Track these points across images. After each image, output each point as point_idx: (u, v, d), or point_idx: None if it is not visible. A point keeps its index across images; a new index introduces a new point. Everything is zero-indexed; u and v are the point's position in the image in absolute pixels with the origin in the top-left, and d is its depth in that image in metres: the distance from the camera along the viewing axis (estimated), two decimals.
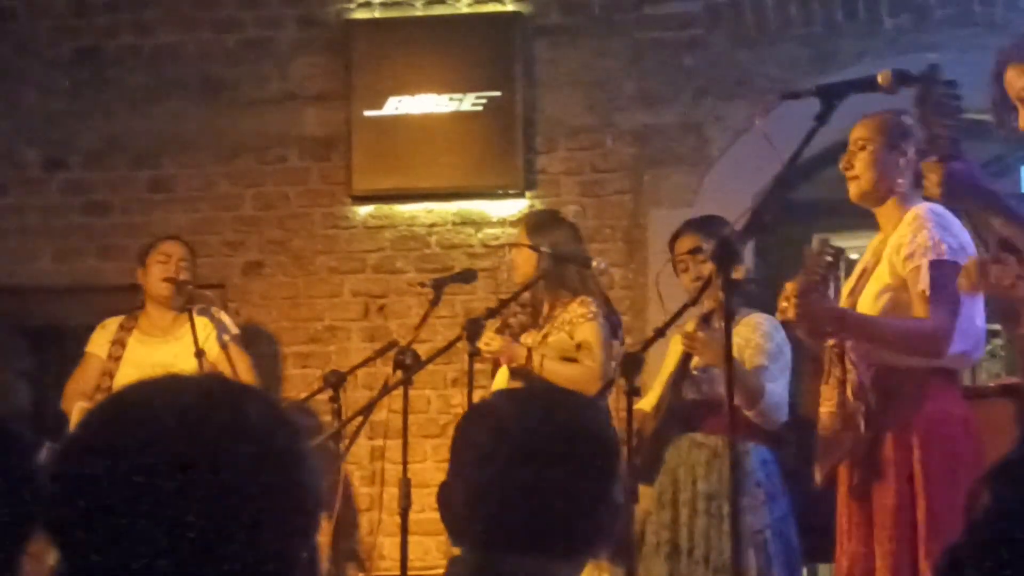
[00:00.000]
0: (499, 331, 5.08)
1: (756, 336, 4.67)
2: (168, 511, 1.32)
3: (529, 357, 4.97)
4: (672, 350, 4.81)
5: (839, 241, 6.37)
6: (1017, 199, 3.28)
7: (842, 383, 3.83)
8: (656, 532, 4.68)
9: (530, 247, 5.11)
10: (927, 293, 3.72)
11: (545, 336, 5.08)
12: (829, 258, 3.70)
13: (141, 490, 1.33)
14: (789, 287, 3.75)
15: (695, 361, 4.63)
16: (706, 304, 4.40)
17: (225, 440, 1.37)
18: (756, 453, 4.62)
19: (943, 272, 3.71)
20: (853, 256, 6.52)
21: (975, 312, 3.81)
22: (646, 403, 4.83)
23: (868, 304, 3.88)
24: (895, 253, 3.83)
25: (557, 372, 4.93)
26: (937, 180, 3.13)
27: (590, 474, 2.04)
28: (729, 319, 3.17)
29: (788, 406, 4.66)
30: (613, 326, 5.16)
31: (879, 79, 3.24)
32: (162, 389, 1.43)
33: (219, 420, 1.38)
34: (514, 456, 2.02)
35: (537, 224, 5.25)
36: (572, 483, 2.01)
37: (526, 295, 5.10)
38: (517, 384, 4.94)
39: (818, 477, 3.96)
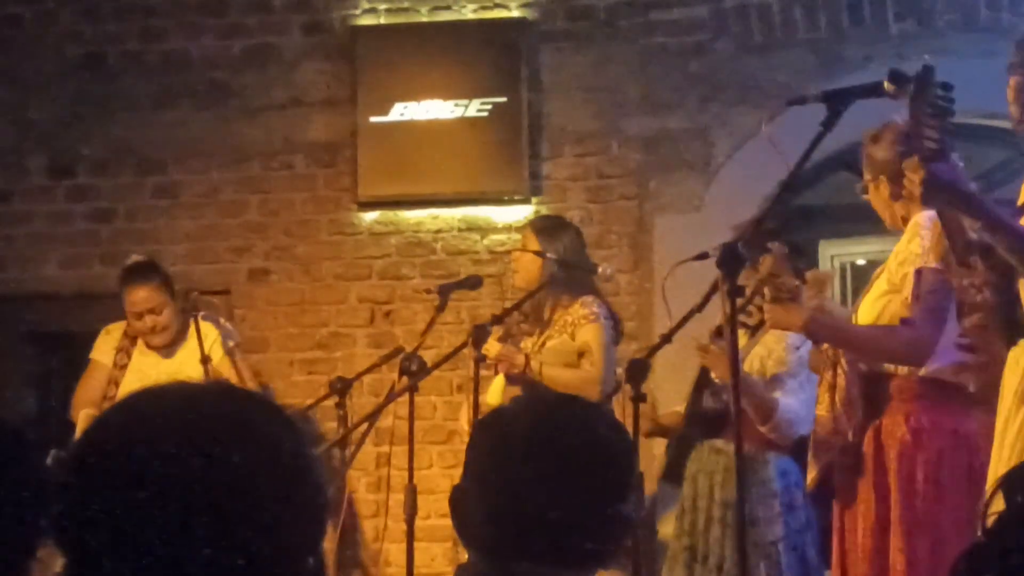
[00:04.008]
0: (502, 339, 5.08)
1: (779, 347, 4.64)
2: (174, 518, 1.32)
3: (527, 363, 4.97)
4: None
5: (843, 247, 6.43)
6: (997, 204, 3.25)
7: (832, 388, 3.83)
8: (678, 537, 4.69)
9: (537, 253, 5.11)
10: (909, 301, 3.71)
11: (545, 340, 5.07)
12: (787, 264, 3.72)
13: (148, 497, 1.33)
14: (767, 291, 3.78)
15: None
16: (720, 316, 4.39)
17: (231, 447, 1.37)
18: (777, 463, 4.59)
19: (929, 281, 3.70)
20: (859, 262, 6.54)
21: None
22: (682, 407, 4.84)
23: (867, 309, 3.88)
24: (893, 259, 3.84)
25: (556, 378, 4.94)
26: (918, 180, 3.11)
27: (602, 485, 2.03)
28: (735, 327, 3.16)
29: (812, 419, 4.61)
30: (616, 328, 5.16)
31: (885, 84, 3.23)
32: (168, 396, 1.43)
33: (225, 427, 1.38)
34: (526, 464, 2.01)
35: (544, 228, 5.25)
36: (583, 494, 2.01)
37: (529, 301, 5.10)
38: (515, 390, 4.94)
39: (809, 479, 3.97)
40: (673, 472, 4.79)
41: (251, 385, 5.50)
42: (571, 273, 5.11)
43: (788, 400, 4.57)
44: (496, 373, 5.13)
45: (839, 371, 3.83)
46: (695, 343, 4.50)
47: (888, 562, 3.69)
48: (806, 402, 4.56)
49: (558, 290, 5.11)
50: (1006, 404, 3.25)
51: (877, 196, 3.93)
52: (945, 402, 3.79)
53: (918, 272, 3.71)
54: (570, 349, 5.04)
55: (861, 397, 3.79)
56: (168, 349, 5.60)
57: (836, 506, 3.90)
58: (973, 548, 1.28)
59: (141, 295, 5.50)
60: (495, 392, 5.02)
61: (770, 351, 4.63)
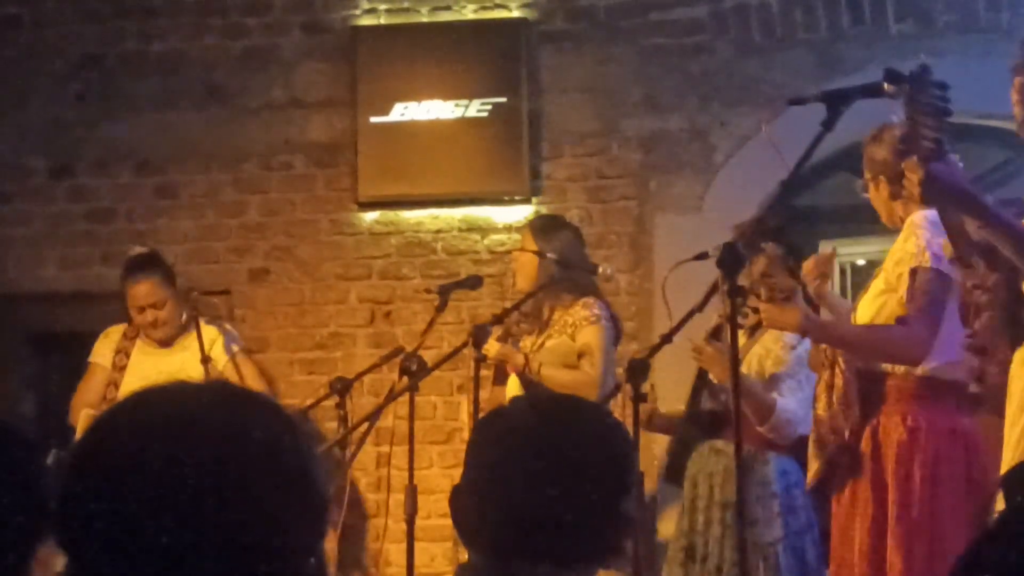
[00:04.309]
0: (501, 338, 5.07)
1: (777, 347, 4.63)
2: (175, 518, 1.32)
3: (527, 363, 4.96)
4: None
5: (844, 247, 6.42)
6: (998, 203, 3.24)
7: (830, 387, 3.84)
8: (678, 538, 4.68)
9: (536, 253, 5.10)
10: (904, 300, 3.71)
11: (544, 340, 5.06)
12: (780, 266, 3.71)
13: (149, 497, 1.33)
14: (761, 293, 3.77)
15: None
16: (716, 317, 4.39)
17: (232, 447, 1.37)
18: (776, 463, 4.57)
19: (924, 279, 3.70)
20: (860, 262, 6.54)
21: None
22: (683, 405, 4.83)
23: (865, 308, 3.89)
24: (890, 259, 3.84)
25: (554, 378, 4.93)
26: (917, 180, 3.10)
27: (603, 485, 2.03)
28: (735, 327, 3.16)
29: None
30: (616, 329, 5.15)
31: (885, 85, 3.22)
32: (169, 396, 1.43)
33: (226, 427, 1.38)
34: (527, 464, 2.02)
35: (542, 228, 5.25)
36: (584, 493, 2.01)
37: (529, 301, 5.10)
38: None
39: (808, 478, 3.97)
40: (674, 472, 4.78)
41: (254, 387, 5.49)
42: (571, 273, 5.10)
43: (786, 400, 4.56)
44: (497, 374, 5.13)
45: (836, 371, 3.83)
46: (690, 345, 4.50)
47: (886, 561, 3.69)
48: (804, 402, 4.55)
49: (558, 290, 5.10)
50: (1012, 407, 3.25)
51: (877, 195, 3.94)
52: (942, 401, 3.79)
53: (913, 271, 3.72)
54: (569, 350, 5.03)
55: (858, 397, 3.79)
56: (169, 348, 5.61)
57: (834, 505, 3.90)
58: (973, 547, 1.28)
59: (143, 290, 5.52)
60: (512, 391, 5.00)
61: (768, 351, 4.63)
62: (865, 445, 3.78)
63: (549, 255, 5.09)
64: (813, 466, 3.94)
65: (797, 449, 4.60)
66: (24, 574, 1.67)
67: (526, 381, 4.98)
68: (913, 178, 3.09)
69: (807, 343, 4.59)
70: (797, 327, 3.77)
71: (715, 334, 4.49)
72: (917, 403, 3.76)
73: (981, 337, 3.45)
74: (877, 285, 3.89)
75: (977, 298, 3.29)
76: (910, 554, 3.64)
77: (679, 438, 4.77)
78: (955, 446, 3.74)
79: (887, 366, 3.80)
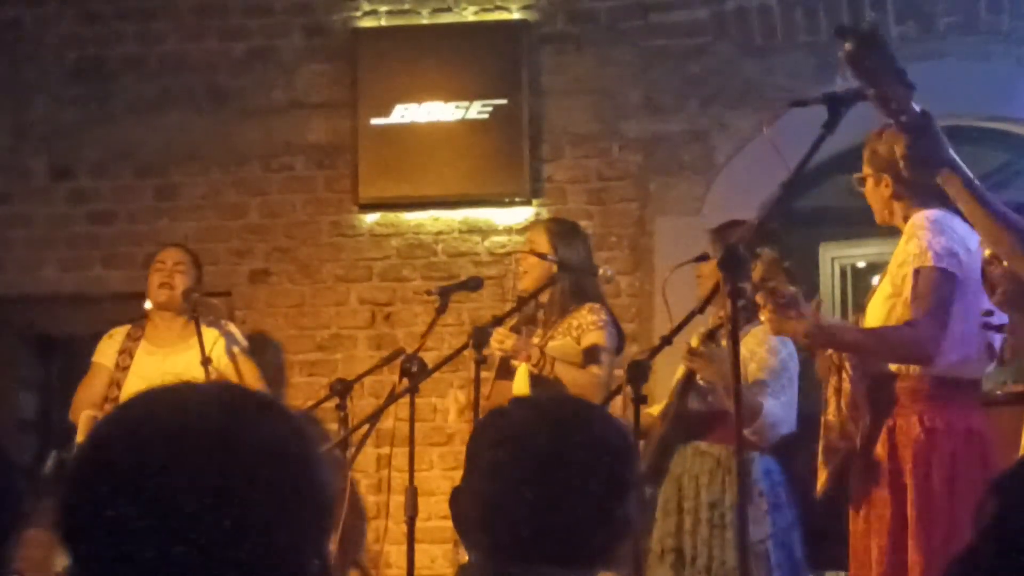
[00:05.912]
0: (515, 329, 5.08)
1: (761, 350, 4.64)
2: (179, 519, 1.32)
3: (541, 357, 4.97)
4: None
5: (843, 249, 6.43)
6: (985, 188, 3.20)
7: (838, 392, 3.83)
8: (661, 539, 4.68)
9: (543, 256, 5.10)
10: (909, 300, 3.71)
11: (548, 340, 5.06)
12: (778, 270, 3.69)
13: (152, 498, 1.33)
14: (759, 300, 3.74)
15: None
16: (711, 320, 4.38)
17: (236, 448, 1.37)
18: (761, 463, 4.60)
19: (928, 279, 3.69)
20: (860, 264, 6.54)
21: (974, 319, 3.77)
22: (656, 408, 4.83)
23: (874, 312, 3.88)
24: (893, 262, 3.83)
25: (565, 375, 4.93)
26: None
27: (603, 486, 2.03)
28: (736, 328, 3.16)
29: (793, 420, 4.63)
30: (619, 339, 5.16)
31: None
32: (173, 397, 1.43)
33: (229, 428, 1.38)
34: (528, 466, 2.02)
35: (559, 233, 5.21)
36: (585, 495, 2.01)
37: (532, 302, 5.10)
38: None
39: (818, 485, 3.94)
40: (655, 473, 4.77)
41: (253, 387, 5.50)
42: (580, 278, 5.10)
43: (771, 403, 4.57)
44: (499, 372, 5.12)
45: (844, 375, 3.82)
46: (685, 348, 4.49)
47: (905, 562, 3.68)
48: (787, 404, 4.59)
49: (565, 294, 5.10)
50: None
51: (875, 192, 3.91)
52: (957, 400, 3.78)
53: (916, 272, 3.71)
54: (574, 351, 5.03)
55: (867, 400, 3.78)
56: (172, 349, 5.63)
57: (852, 509, 3.88)
58: (967, 551, 1.28)
59: (173, 252, 5.74)
60: (522, 381, 4.98)
61: (752, 354, 4.63)
62: (881, 447, 3.76)
63: (550, 258, 5.09)
64: (822, 475, 3.91)
65: (779, 448, 4.62)
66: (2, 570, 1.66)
67: (534, 376, 4.97)
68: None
69: (791, 347, 4.60)
70: (804, 334, 3.74)
71: (711, 336, 4.49)
72: (933, 403, 3.75)
73: (997, 315, 3.41)
74: (884, 288, 3.87)
75: (993, 270, 3.26)
76: (931, 554, 3.63)
77: (661, 439, 4.77)
78: (972, 446, 3.72)
79: (898, 367, 3.79)
